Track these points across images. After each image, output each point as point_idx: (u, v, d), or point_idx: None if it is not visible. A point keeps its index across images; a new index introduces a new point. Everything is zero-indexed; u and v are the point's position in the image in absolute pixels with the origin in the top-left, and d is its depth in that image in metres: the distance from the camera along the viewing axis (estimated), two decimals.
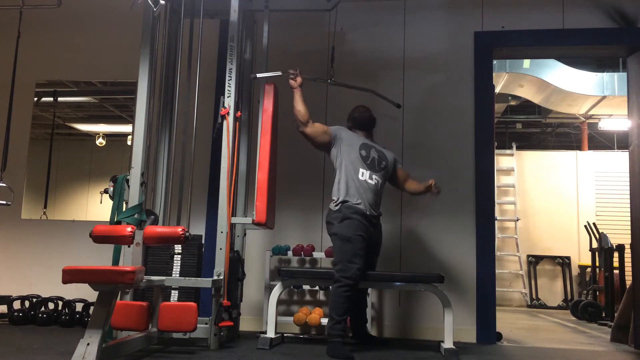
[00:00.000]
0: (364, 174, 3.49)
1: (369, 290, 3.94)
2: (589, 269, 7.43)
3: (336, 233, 3.38)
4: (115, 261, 3.38)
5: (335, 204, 3.44)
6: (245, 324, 4.04)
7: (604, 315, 5.98)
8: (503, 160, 8.69)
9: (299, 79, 3.57)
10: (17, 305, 4.19)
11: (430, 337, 3.94)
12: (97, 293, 2.54)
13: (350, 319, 3.54)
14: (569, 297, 8.14)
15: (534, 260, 8.42)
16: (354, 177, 3.45)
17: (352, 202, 3.41)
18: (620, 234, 7.14)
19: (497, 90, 7.50)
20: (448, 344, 3.26)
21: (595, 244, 6.89)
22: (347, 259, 3.30)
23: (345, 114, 3.78)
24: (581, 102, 7.88)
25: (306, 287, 4.10)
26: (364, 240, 3.38)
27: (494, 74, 4.81)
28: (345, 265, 3.29)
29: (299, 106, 3.51)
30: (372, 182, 3.49)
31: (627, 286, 4.22)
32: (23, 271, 4.47)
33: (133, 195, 3.36)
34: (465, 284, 4.01)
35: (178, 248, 3.58)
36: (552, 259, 8.42)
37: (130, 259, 3.17)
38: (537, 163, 8.73)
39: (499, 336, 4.02)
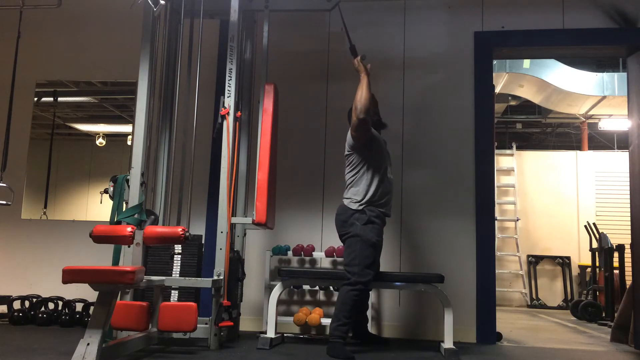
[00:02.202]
0: (390, 171, 3.50)
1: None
2: (589, 269, 7.43)
3: (359, 235, 3.29)
4: (115, 261, 3.37)
5: (358, 203, 3.35)
6: (245, 324, 4.04)
7: (604, 315, 5.98)
8: (503, 160, 8.69)
9: (369, 65, 3.47)
10: (17, 305, 4.19)
11: (430, 337, 3.94)
12: (97, 293, 2.54)
13: None
14: (569, 297, 8.14)
15: (534, 260, 8.42)
16: (383, 178, 3.41)
17: (377, 204, 3.36)
18: (620, 234, 7.14)
19: (497, 90, 7.50)
20: (448, 344, 3.26)
21: (595, 244, 6.89)
22: (365, 264, 3.26)
23: (345, 114, 3.78)
24: (581, 102, 7.88)
25: (306, 287, 4.10)
26: (381, 246, 3.42)
27: (494, 74, 4.81)
28: (363, 270, 3.25)
29: (369, 93, 3.33)
30: (392, 177, 3.54)
31: (627, 286, 4.22)
32: (23, 271, 4.47)
33: (133, 195, 3.36)
34: (465, 284, 4.01)
35: (178, 248, 3.58)
36: (552, 259, 8.42)
37: (130, 259, 3.17)
38: (537, 163, 8.73)
39: (499, 336, 4.02)
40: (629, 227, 4.09)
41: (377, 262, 3.39)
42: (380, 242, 3.38)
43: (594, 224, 7.22)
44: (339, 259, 4.08)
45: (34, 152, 4.75)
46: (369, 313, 3.89)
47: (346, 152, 3.48)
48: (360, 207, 3.34)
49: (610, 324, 4.83)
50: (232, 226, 3.66)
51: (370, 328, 3.92)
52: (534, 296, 8.31)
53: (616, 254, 5.91)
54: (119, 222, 3.33)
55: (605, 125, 8.88)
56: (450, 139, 4.22)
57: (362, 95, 3.29)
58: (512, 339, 4.24)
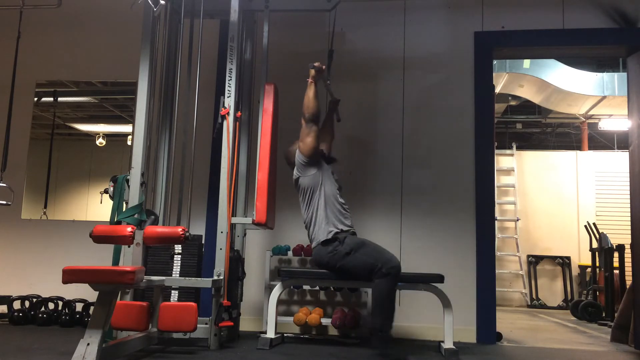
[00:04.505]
0: (341, 196, 3.48)
1: (369, 290, 3.95)
2: (589, 269, 7.43)
3: (349, 250, 3.25)
4: (115, 261, 3.37)
5: (327, 233, 3.30)
6: (245, 324, 4.04)
7: (604, 315, 5.98)
8: (503, 160, 8.69)
9: (323, 66, 3.53)
10: (17, 305, 4.19)
11: (430, 337, 3.94)
12: (97, 293, 2.54)
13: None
14: (569, 297, 8.14)
15: (534, 260, 8.42)
16: (337, 203, 3.40)
17: (344, 228, 3.35)
18: (620, 234, 7.14)
19: (497, 90, 7.50)
20: (448, 344, 3.26)
21: (595, 244, 6.89)
22: (379, 253, 3.23)
23: (345, 116, 3.81)
24: (581, 102, 7.88)
25: (306, 287, 4.10)
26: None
27: (494, 74, 4.81)
28: (383, 257, 3.20)
29: (316, 101, 3.45)
30: (346, 203, 3.50)
31: (627, 286, 4.22)
32: (23, 271, 4.47)
33: (133, 195, 3.36)
34: (465, 284, 4.01)
35: (178, 248, 3.58)
36: (552, 259, 8.42)
37: (130, 259, 3.17)
38: (537, 163, 8.73)
39: (499, 336, 4.02)
40: (629, 227, 4.09)
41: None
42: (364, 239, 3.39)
43: (594, 224, 7.22)
44: None
45: (34, 152, 4.75)
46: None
47: (295, 177, 3.48)
48: (330, 236, 3.31)
49: (610, 324, 4.83)
50: (232, 226, 3.66)
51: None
52: (534, 296, 8.31)
53: (616, 254, 5.92)
54: (119, 222, 3.33)
55: (605, 125, 8.88)
56: (450, 139, 4.22)
57: (307, 102, 3.43)
58: (512, 339, 4.24)
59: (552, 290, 8.40)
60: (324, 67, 3.55)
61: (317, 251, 3.38)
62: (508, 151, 8.75)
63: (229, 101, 3.50)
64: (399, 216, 4.17)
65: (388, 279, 3.16)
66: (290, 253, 4.12)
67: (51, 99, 4.96)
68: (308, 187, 3.41)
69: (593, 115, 8.59)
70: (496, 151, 6.58)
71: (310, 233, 3.42)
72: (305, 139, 3.43)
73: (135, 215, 3.30)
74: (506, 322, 5.64)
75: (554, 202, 8.52)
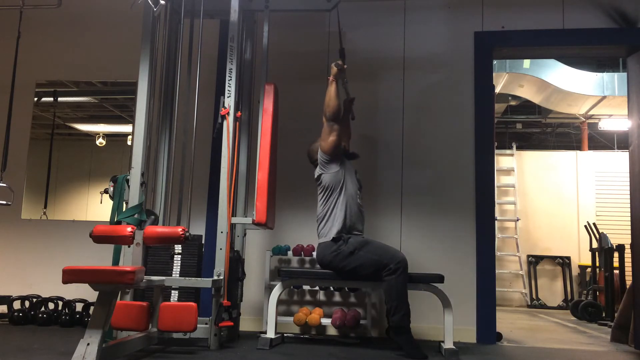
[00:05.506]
0: (360, 197, 3.53)
1: (369, 290, 3.95)
2: (589, 269, 7.43)
3: (354, 250, 3.30)
4: (115, 261, 3.37)
5: (337, 232, 3.36)
6: (245, 324, 4.04)
7: (604, 315, 5.98)
8: (503, 160, 8.69)
9: (345, 66, 3.57)
10: (17, 305, 4.19)
11: (430, 337, 3.94)
12: (97, 293, 2.55)
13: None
14: (569, 297, 8.14)
15: (534, 260, 8.42)
16: (355, 204, 3.45)
17: (352, 232, 3.40)
18: (620, 234, 7.14)
19: (497, 90, 7.50)
20: (448, 344, 3.26)
21: (595, 244, 6.89)
22: (385, 252, 3.29)
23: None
24: (581, 102, 7.88)
25: (306, 287, 4.10)
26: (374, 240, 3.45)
27: (494, 74, 4.81)
28: (389, 254, 3.26)
29: (337, 101, 3.48)
30: (364, 208, 3.56)
31: (627, 286, 4.22)
32: (23, 271, 4.47)
33: (133, 195, 3.36)
34: (465, 284, 4.01)
35: (178, 248, 3.58)
36: (552, 259, 8.42)
37: (130, 259, 3.17)
38: (537, 163, 8.73)
39: (499, 336, 4.02)
40: (629, 227, 4.09)
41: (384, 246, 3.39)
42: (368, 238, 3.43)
43: (594, 224, 7.22)
44: None
45: (34, 152, 4.75)
46: (370, 313, 3.89)
47: (316, 176, 3.53)
48: (337, 235, 3.36)
49: (610, 324, 4.83)
50: (232, 226, 3.66)
51: (371, 328, 3.93)
52: (534, 296, 8.31)
53: (616, 254, 5.92)
54: (119, 222, 3.33)
55: (605, 125, 8.89)
56: (450, 138, 4.22)
57: (328, 100, 3.46)
58: (512, 339, 4.24)
59: (552, 290, 8.40)
60: (345, 65, 3.56)
61: (321, 249, 3.42)
62: (508, 151, 8.75)
63: (229, 101, 3.50)
64: (399, 216, 4.17)
65: (398, 274, 3.20)
66: (290, 253, 4.12)
67: (51, 99, 4.96)
68: (329, 184, 3.45)
69: (593, 115, 8.59)
70: (496, 151, 6.58)
71: (319, 227, 3.46)
72: (326, 137, 3.45)
73: (135, 215, 3.30)
74: (506, 322, 5.64)
75: (554, 202, 8.52)
